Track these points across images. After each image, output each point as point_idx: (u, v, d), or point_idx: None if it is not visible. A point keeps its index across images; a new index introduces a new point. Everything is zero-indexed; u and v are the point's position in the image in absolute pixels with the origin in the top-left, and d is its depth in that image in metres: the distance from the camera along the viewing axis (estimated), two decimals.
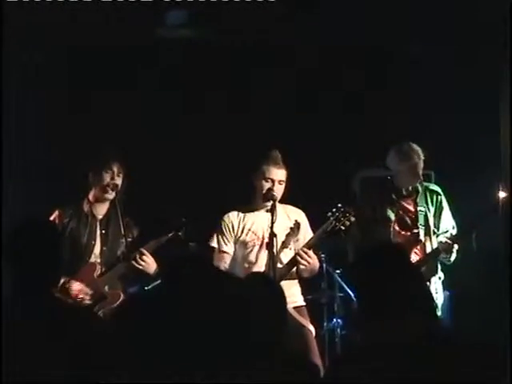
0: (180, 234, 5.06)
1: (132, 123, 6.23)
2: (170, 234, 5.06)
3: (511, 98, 5.25)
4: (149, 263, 5.03)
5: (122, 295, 5.10)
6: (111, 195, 5.14)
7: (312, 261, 4.96)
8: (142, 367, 2.61)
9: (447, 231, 5.37)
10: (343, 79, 6.26)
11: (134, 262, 5.02)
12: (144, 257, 5.02)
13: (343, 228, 4.90)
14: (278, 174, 5.06)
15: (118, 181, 5.13)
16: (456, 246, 5.25)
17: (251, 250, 5.08)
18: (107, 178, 5.12)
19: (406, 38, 6.01)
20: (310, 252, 4.94)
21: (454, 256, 5.29)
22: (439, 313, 5.01)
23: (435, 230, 5.38)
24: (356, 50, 6.17)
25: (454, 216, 5.47)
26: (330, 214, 4.94)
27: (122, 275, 5.12)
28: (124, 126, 6.18)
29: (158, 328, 2.74)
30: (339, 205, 4.94)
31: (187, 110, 6.31)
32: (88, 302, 5.01)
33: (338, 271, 5.90)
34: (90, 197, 5.23)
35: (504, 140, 5.57)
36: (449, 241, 5.23)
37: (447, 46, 5.91)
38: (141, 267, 5.02)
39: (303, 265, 4.95)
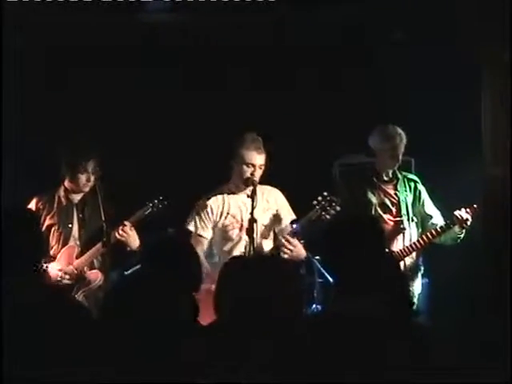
0: (160, 206, 5.11)
1: (110, 108, 6.22)
2: (150, 205, 5.17)
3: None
4: (130, 235, 5.09)
5: (100, 275, 5.16)
6: (87, 188, 5.23)
7: (295, 249, 4.94)
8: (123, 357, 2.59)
9: (433, 217, 5.41)
10: (323, 62, 6.24)
11: (116, 234, 5.09)
12: (126, 228, 5.09)
13: (328, 217, 4.88)
14: (259, 158, 5.05)
15: (92, 178, 5.19)
16: (470, 220, 5.23)
17: (231, 234, 5.08)
18: (83, 179, 5.20)
19: (390, 21, 6.00)
20: (294, 240, 4.92)
21: (463, 233, 5.28)
22: (411, 294, 5.05)
23: (414, 218, 5.39)
24: (334, 31, 6.15)
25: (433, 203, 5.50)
26: (315, 202, 4.93)
27: (100, 255, 5.17)
28: (102, 111, 6.18)
29: (138, 314, 2.72)
30: (325, 193, 4.93)
31: (167, 93, 6.28)
32: (68, 281, 5.07)
33: (317, 257, 5.87)
34: (66, 184, 5.29)
35: (485, 127, 5.60)
36: (465, 214, 5.22)
37: (430, 30, 5.90)
38: (123, 239, 5.09)
39: (286, 253, 4.93)
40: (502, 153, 5.49)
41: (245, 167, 5.03)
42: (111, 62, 6.15)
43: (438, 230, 5.31)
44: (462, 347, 2.70)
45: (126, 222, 5.11)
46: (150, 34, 6.08)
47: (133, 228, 5.12)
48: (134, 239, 5.12)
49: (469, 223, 5.24)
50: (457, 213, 5.24)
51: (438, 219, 5.39)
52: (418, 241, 5.33)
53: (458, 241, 5.34)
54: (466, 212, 5.24)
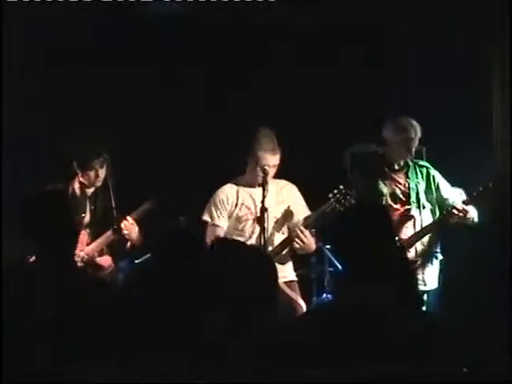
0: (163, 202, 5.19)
1: (122, 102, 6.27)
2: (151, 201, 5.28)
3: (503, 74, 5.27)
4: (131, 229, 5.19)
5: (111, 261, 5.30)
6: (98, 183, 5.34)
7: (307, 240, 4.94)
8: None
9: (450, 199, 5.38)
10: (334, 56, 6.25)
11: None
12: (127, 222, 5.20)
13: (342, 210, 4.86)
14: (274, 160, 5.03)
15: (103, 173, 5.31)
16: (469, 213, 5.23)
17: (244, 225, 5.07)
18: (92, 175, 5.30)
19: (399, 14, 6.00)
20: (306, 232, 4.93)
21: (475, 218, 5.27)
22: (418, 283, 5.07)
23: (425, 205, 5.38)
24: (345, 27, 6.15)
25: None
26: (331, 195, 4.93)
27: (110, 243, 5.31)
28: (113, 105, 6.23)
29: (147, 301, 2.72)
30: (341, 187, 4.92)
31: (179, 88, 6.31)
32: (80, 266, 5.11)
33: (328, 246, 5.88)
34: (79, 178, 5.38)
35: (496, 116, 5.58)
36: (464, 206, 5.21)
37: (438, 22, 5.90)
38: (126, 232, 5.20)
39: (298, 243, 4.94)
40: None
41: (259, 169, 5.01)
42: (116, 61, 6.19)
43: (437, 220, 5.33)
44: (467, 344, 2.68)
45: (128, 217, 5.21)
46: (154, 33, 6.14)
47: (134, 223, 5.22)
48: (135, 234, 5.22)
49: (469, 215, 5.23)
50: (454, 204, 5.25)
51: (456, 199, 5.34)
52: (425, 227, 5.33)
53: (474, 224, 5.29)
54: (463, 203, 5.23)
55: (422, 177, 5.42)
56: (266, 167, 4.98)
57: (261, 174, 4.99)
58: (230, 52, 6.28)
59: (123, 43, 6.14)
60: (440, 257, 5.46)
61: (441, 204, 5.40)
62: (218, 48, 6.25)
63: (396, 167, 5.43)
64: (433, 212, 5.40)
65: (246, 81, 6.26)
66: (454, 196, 5.37)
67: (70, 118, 6.10)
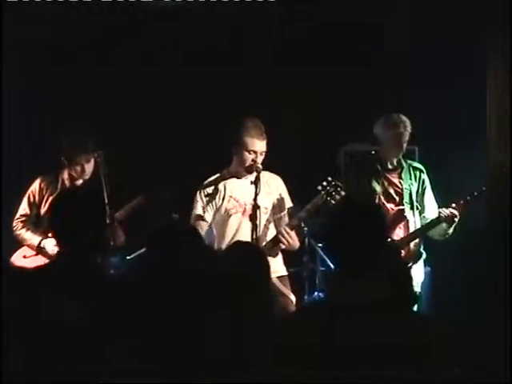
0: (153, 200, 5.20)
1: (109, 95, 6.28)
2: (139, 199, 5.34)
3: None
4: (114, 230, 5.15)
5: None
6: (86, 176, 5.38)
7: (292, 241, 4.93)
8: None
9: (426, 210, 5.40)
10: (329, 53, 6.25)
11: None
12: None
13: (333, 202, 4.83)
14: (262, 145, 5.02)
15: (89, 168, 5.36)
16: (458, 217, 5.24)
17: (233, 218, 5.05)
18: (78, 169, 5.37)
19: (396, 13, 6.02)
20: (292, 233, 4.90)
21: (452, 229, 5.29)
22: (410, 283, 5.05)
23: (418, 207, 5.39)
24: (342, 26, 6.16)
25: (437, 192, 5.49)
26: (320, 187, 4.88)
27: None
28: (107, 102, 6.26)
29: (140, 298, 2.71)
30: (329, 178, 4.89)
31: (166, 77, 6.31)
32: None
33: (320, 245, 5.88)
34: (69, 170, 5.43)
35: (490, 115, 5.59)
36: (453, 210, 5.22)
37: (435, 21, 5.91)
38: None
39: (283, 243, 4.93)
40: (506, 141, 5.50)
41: (246, 154, 5.01)
42: (114, 59, 6.27)
43: (426, 224, 5.34)
44: (462, 344, 2.69)
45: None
46: (146, 29, 6.17)
47: (118, 224, 5.23)
48: (119, 235, 5.23)
49: (456, 219, 5.23)
50: (443, 210, 5.25)
51: (429, 213, 5.38)
52: (413, 232, 5.34)
53: (446, 236, 5.33)
54: (454, 208, 5.23)
55: (416, 179, 5.42)
56: (259, 165, 4.97)
57: (252, 175, 4.98)
58: (228, 50, 6.27)
59: (118, 42, 6.21)
60: (424, 255, 5.47)
61: (421, 209, 5.41)
62: (217, 46, 6.26)
63: (390, 167, 5.43)
64: (421, 214, 5.41)
65: (242, 78, 6.25)
66: (429, 209, 5.39)
67: (67, 114, 6.10)
